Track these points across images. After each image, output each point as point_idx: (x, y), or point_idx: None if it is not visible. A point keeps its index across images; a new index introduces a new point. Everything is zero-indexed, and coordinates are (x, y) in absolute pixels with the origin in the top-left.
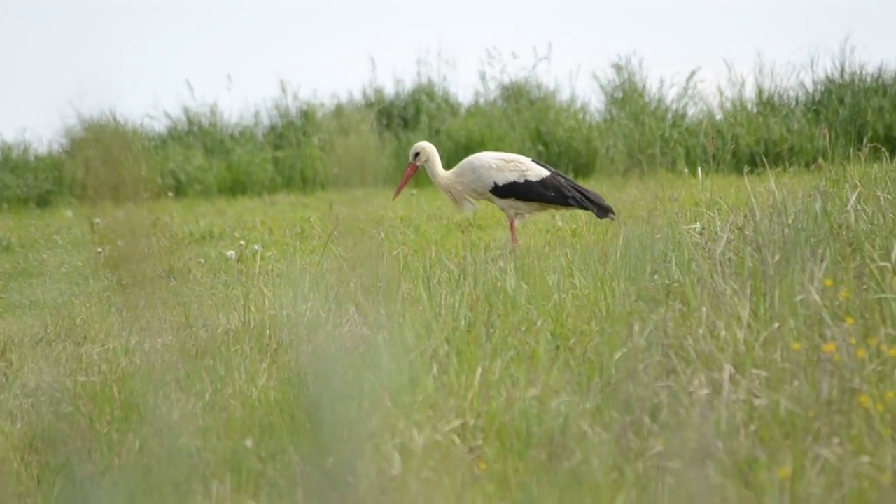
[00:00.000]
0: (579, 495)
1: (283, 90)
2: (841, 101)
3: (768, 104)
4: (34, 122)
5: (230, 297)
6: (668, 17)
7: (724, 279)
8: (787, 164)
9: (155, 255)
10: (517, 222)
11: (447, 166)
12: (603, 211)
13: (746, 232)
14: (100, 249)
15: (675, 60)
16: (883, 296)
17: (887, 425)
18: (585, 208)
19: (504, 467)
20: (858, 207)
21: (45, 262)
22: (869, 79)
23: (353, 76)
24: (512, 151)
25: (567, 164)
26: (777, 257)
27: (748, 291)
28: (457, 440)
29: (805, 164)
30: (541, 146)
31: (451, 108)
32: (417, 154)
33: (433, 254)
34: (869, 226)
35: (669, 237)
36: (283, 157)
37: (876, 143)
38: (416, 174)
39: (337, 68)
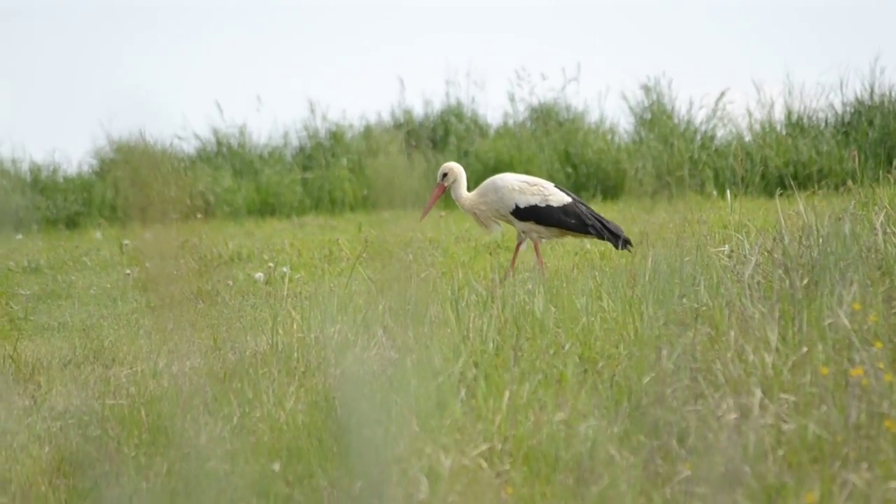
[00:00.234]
0: None
1: (312, 111)
2: (870, 122)
3: (797, 126)
4: (64, 143)
5: (258, 320)
6: (697, 39)
7: (753, 302)
8: (817, 186)
9: (183, 277)
10: (523, 246)
11: (475, 188)
12: (621, 242)
13: (775, 255)
14: (128, 271)
15: (705, 82)
16: None
17: None
18: (603, 238)
19: (531, 492)
20: (888, 230)
21: (73, 284)
22: None
23: (382, 97)
24: (541, 173)
25: (596, 185)
26: (806, 280)
27: (777, 315)
28: (484, 464)
29: (834, 186)
30: (569, 168)
31: (480, 129)
32: (445, 175)
33: (461, 276)
34: None
35: (698, 260)
36: (311, 179)
37: None
38: (444, 195)
39: (366, 89)
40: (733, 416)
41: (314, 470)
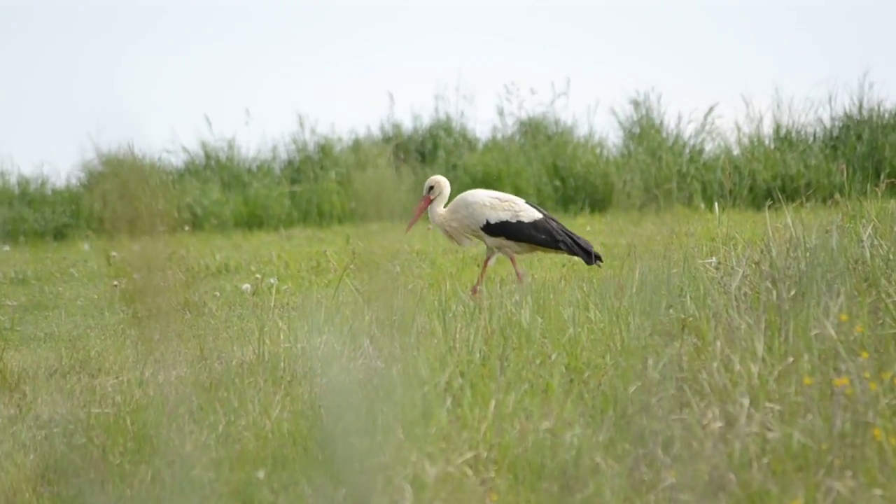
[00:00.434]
0: None
1: (301, 125)
2: (859, 137)
3: (786, 140)
4: (52, 155)
5: (245, 330)
6: (686, 54)
7: (739, 313)
8: (804, 199)
9: (170, 288)
10: (492, 262)
11: None
12: (591, 258)
13: (763, 267)
14: (116, 282)
15: (693, 96)
16: None
17: None
18: (574, 254)
19: (516, 499)
20: (874, 243)
21: (60, 295)
22: (887, 115)
23: (370, 111)
24: (529, 187)
25: (584, 199)
26: (793, 292)
27: (763, 326)
28: (469, 472)
29: (822, 199)
30: (557, 181)
31: (469, 143)
32: (432, 188)
33: (448, 287)
34: (885, 261)
35: (685, 272)
36: (300, 192)
37: (893, 179)
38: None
39: (355, 103)
40: (718, 424)
41: (299, 478)
